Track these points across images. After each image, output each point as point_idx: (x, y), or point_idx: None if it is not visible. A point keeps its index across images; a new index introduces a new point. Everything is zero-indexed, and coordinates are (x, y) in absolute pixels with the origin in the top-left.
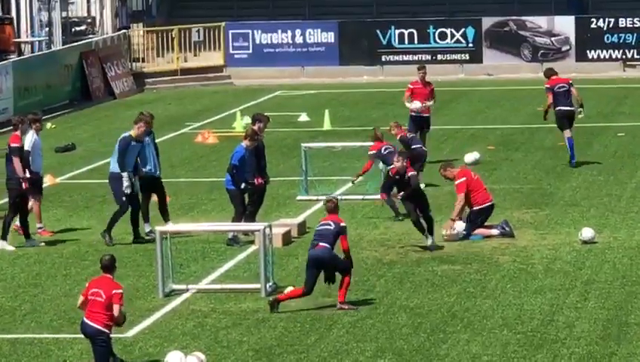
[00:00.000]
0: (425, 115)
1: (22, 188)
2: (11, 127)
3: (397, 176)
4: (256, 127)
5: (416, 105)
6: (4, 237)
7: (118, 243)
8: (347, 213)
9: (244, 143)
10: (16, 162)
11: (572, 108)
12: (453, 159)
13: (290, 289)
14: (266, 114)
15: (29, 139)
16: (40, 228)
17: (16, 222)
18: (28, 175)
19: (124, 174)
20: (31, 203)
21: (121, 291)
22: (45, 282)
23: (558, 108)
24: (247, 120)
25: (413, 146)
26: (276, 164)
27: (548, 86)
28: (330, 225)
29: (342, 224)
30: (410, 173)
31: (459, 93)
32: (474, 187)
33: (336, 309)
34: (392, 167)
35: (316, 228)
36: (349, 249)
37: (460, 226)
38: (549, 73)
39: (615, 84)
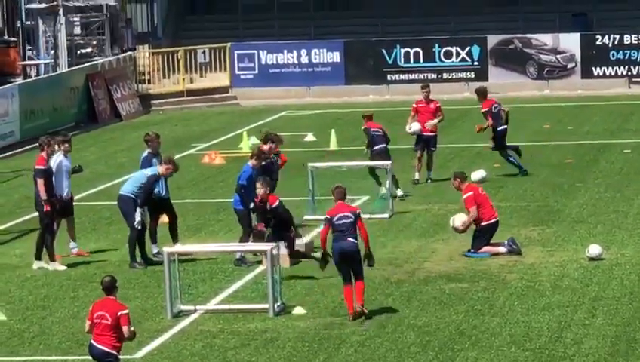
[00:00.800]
0: (431, 133)
1: (52, 209)
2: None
3: (260, 203)
4: (267, 147)
5: (416, 127)
6: (52, 259)
7: (125, 264)
8: None
9: (251, 163)
10: (40, 185)
11: (506, 126)
12: None
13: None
14: (279, 135)
15: (55, 160)
16: None
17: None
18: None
19: (139, 210)
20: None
21: (127, 311)
22: (53, 304)
23: (501, 128)
24: (254, 140)
25: (375, 148)
26: (283, 184)
27: (486, 109)
28: (348, 217)
29: (357, 211)
30: (274, 205)
31: (465, 111)
32: (481, 202)
33: (356, 307)
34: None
35: (335, 221)
36: (367, 234)
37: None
38: (485, 92)
39: (621, 101)
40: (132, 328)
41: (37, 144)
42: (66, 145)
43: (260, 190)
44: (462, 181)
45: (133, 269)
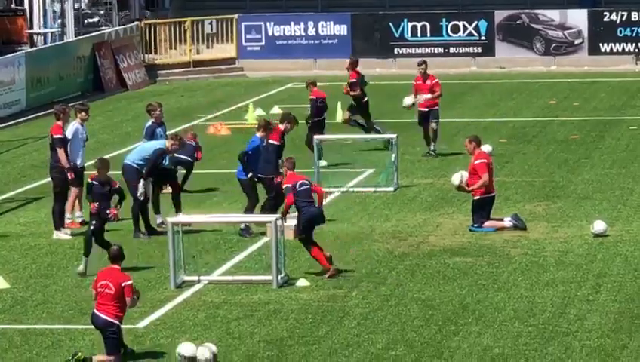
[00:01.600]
0: (422, 108)
1: (65, 177)
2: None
3: (97, 183)
4: (282, 127)
5: (407, 101)
6: (57, 228)
7: (129, 234)
8: (359, 205)
9: (259, 134)
10: (61, 153)
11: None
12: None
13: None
14: (293, 116)
15: (70, 129)
16: (69, 219)
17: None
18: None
19: (142, 181)
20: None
21: (130, 282)
22: (57, 273)
23: (365, 99)
24: (260, 112)
25: (317, 119)
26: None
27: (354, 80)
28: (307, 184)
29: (309, 178)
30: (115, 187)
31: (471, 86)
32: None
33: (326, 277)
34: None
35: (298, 188)
36: (322, 193)
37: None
38: (357, 64)
39: (628, 78)
40: (136, 296)
41: (50, 111)
42: (83, 113)
43: (101, 170)
44: (477, 145)
45: (137, 239)
